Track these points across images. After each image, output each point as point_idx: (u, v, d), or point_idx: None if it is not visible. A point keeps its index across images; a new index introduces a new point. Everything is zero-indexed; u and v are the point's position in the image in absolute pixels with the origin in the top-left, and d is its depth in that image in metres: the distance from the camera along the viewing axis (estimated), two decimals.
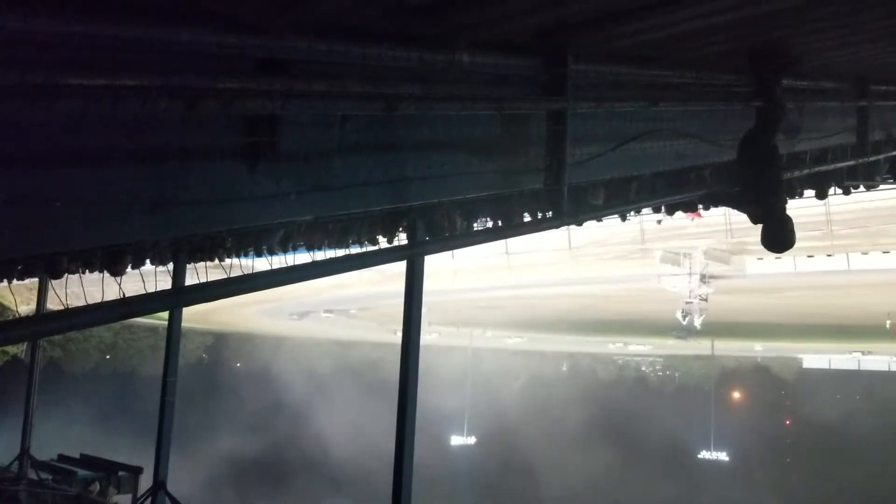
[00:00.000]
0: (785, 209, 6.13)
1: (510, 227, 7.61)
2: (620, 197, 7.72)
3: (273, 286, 4.24)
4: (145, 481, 16.18)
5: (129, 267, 9.39)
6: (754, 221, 6.16)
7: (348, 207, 4.74)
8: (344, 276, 33.68)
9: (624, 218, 14.95)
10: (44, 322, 3.96)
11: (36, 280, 15.86)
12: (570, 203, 5.37)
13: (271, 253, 9.58)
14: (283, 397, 48.42)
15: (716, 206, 10.37)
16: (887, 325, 33.07)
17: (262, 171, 3.90)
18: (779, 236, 6.10)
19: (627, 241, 28.90)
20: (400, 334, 9.68)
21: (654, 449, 47.33)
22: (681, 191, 8.24)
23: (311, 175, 4.13)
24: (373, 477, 33.63)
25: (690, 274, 30.33)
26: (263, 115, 3.75)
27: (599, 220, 14.84)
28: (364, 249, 9.47)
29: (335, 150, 4.15)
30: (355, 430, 43.12)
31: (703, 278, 30.48)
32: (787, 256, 28.65)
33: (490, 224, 8.69)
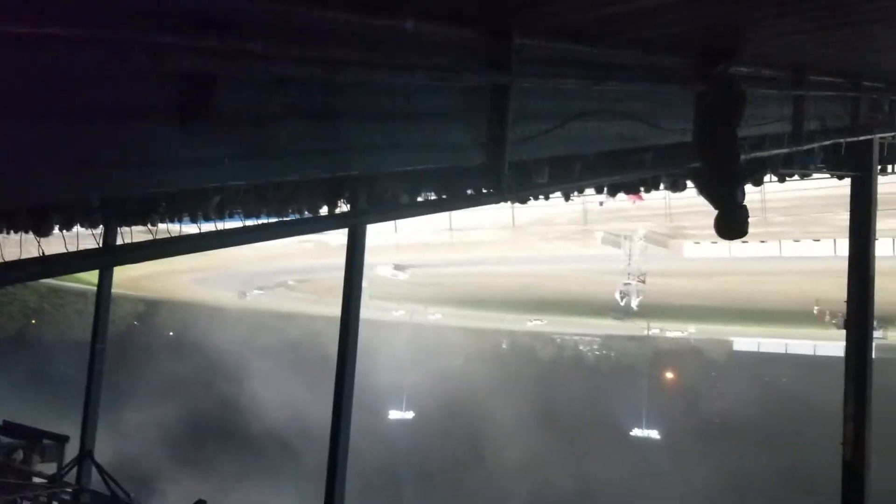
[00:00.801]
0: (736, 197, 6.24)
1: (451, 201, 7.58)
2: (564, 176, 7.77)
3: (207, 249, 4.14)
4: (71, 450, 15.84)
5: (57, 228, 9.08)
6: (714, 207, 6.28)
7: (285, 174, 4.63)
8: (283, 247, 33.35)
9: (567, 197, 15.07)
10: None
11: None
12: (512, 180, 5.36)
13: (207, 219, 9.37)
14: (216, 368, 47.81)
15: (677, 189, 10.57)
16: (815, 311, 34.24)
17: (196, 132, 3.76)
18: (730, 224, 6.23)
19: (570, 221, 29.25)
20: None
21: (589, 425, 48.31)
22: (633, 171, 8.34)
23: (246, 139, 4.00)
24: (306, 446, 33.61)
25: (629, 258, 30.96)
26: (198, 74, 3.61)
27: (546, 198, 14.94)
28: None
29: (273, 115, 4.03)
30: (289, 402, 42.94)
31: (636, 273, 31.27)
32: (722, 242, 29.41)
33: (434, 197, 8.66)
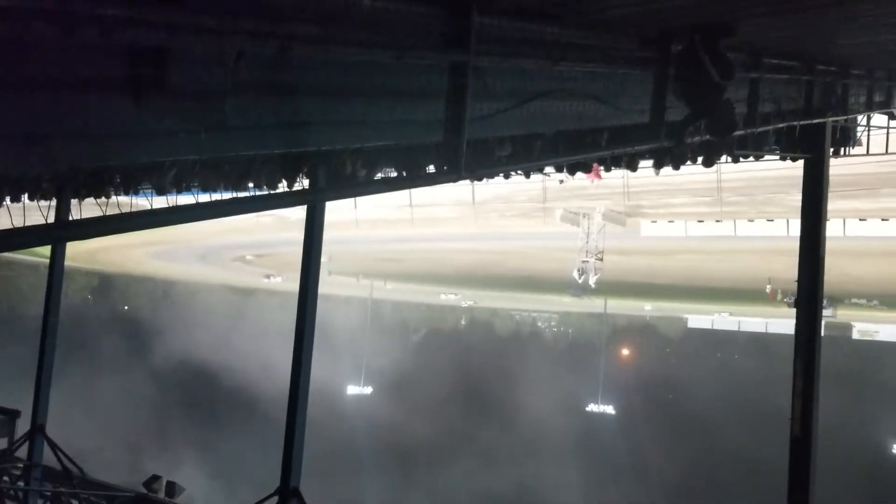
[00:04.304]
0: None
1: (410, 179, 7.56)
2: (523, 154, 7.79)
3: (161, 225, 4.10)
4: (23, 425, 15.58)
5: (8, 200, 8.89)
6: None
7: (240, 149, 4.58)
8: (241, 221, 32.98)
9: (528, 175, 15.11)
10: None
11: None
12: (471, 158, 5.36)
13: (163, 193, 9.21)
14: (172, 341, 47.25)
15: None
16: (767, 290, 35.04)
17: (148, 106, 3.69)
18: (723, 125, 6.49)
19: (530, 199, 29.41)
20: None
21: (545, 400, 48.94)
22: (591, 150, 8.38)
23: (200, 114, 3.93)
24: (262, 424, 33.48)
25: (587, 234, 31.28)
26: (150, 48, 3.54)
27: (507, 176, 14.97)
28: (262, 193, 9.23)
29: (227, 90, 3.96)
30: (246, 375, 42.71)
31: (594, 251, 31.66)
32: (678, 221, 29.86)
33: (394, 174, 8.61)
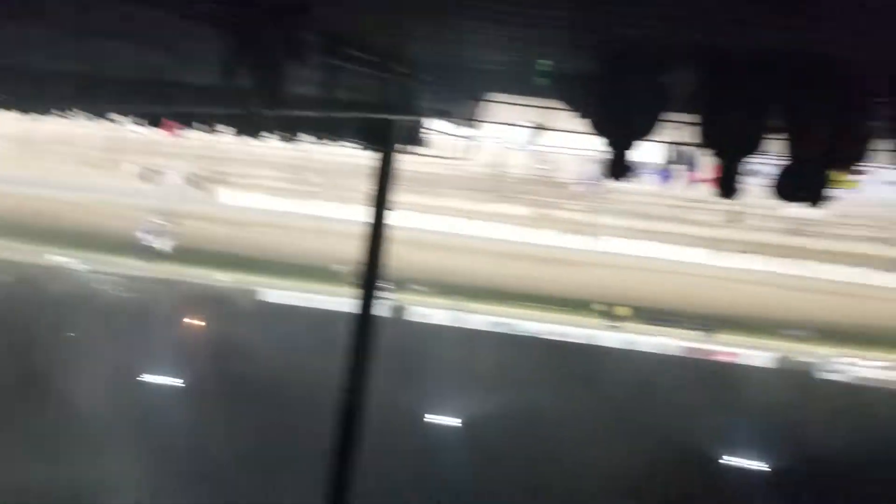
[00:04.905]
0: None
1: None
2: (82, 95, 6.94)
3: None
4: None
5: None
6: None
7: None
8: None
9: (92, 120, 13.64)
10: None
11: None
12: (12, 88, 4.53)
13: None
14: None
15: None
16: (336, 269, 37.18)
17: None
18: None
19: (98, 147, 26.99)
20: None
21: (102, 371, 45.65)
22: (163, 104, 7.72)
23: None
24: None
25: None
26: None
27: (67, 116, 13.35)
28: None
29: None
30: None
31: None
32: (260, 193, 30.16)
33: None
